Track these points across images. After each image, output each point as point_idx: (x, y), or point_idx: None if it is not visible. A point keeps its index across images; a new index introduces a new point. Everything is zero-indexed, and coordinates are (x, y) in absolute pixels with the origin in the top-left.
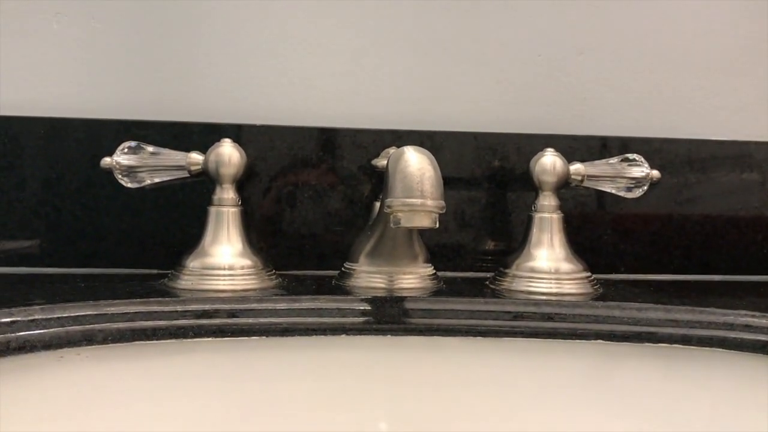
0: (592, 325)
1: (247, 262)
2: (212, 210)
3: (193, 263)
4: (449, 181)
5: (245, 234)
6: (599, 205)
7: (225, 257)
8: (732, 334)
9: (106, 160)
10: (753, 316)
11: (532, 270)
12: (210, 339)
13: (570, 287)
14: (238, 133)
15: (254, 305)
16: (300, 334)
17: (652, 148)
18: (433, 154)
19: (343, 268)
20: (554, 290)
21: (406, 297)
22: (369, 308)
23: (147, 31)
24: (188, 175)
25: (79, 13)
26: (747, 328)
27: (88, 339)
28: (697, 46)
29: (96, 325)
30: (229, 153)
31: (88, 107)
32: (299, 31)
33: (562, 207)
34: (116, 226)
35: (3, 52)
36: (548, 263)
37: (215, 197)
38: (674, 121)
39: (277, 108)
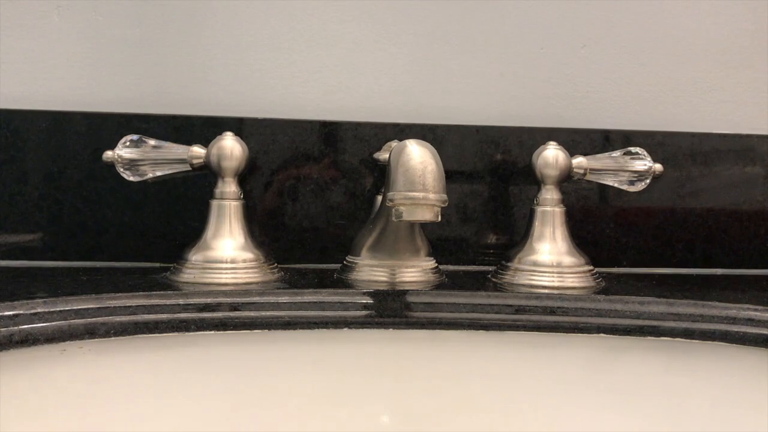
0: (594, 318)
1: (249, 255)
2: (214, 203)
3: (195, 256)
4: (451, 175)
5: (247, 227)
6: (602, 199)
7: (227, 250)
8: (734, 328)
9: (108, 154)
10: (756, 310)
11: (535, 263)
12: (212, 332)
13: (572, 281)
14: (239, 126)
15: (256, 299)
16: (302, 328)
17: (654, 142)
18: (436, 148)
19: (345, 262)
20: (556, 284)
21: (408, 290)
22: (371, 302)
23: (148, 24)
24: (190, 169)
25: (81, 5)
26: (749, 321)
27: (90, 332)
28: (699, 39)
29: (98, 319)
30: (231, 146)
31: (89, 100)
32: (300, 24)
33: (565, 200)
34: (118, 220)
35: (4, 45)
36: (550, 257)
37: (217, 190)
38: (677, 114)
39: (278, 101)
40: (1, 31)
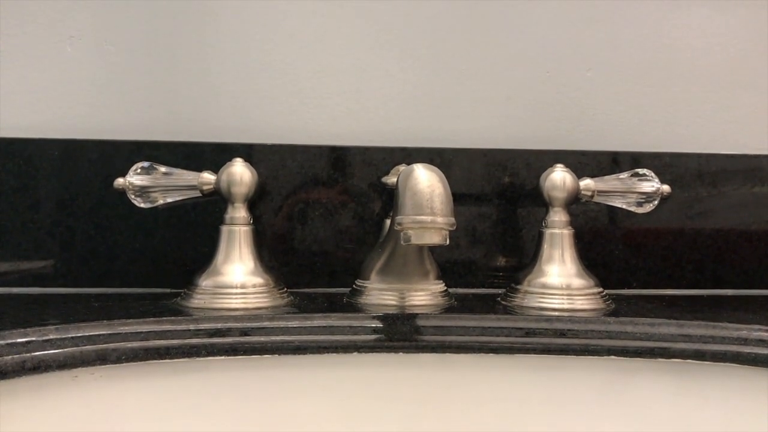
0: (604, 340)
1: (259, 280)
2: (224, 229)
3: (205, 282)
4: (459, 198)
5: (257, 252)
6: (610, 221)
7: (237, 276)
8: (746, 349)
9: (119, 181)
10: (767, 331)
11: (544, 286)
12: (223, 357)
13: (582, 303)
14: (249, 152)
15: (266, 323)
16: (312, 352)
17: (662, 163)
18: (443, 171)
19: (354, 286)
20: (566, 306)
21: (417, 314)
22: (380, 326)
23: (159, 52)
24: (200, 195)
25: (92, 36)
26: (761, 342)
27: (101, 358)
28: (706, 60)
29: (110, 345)
30: (240, 172)
31: (101, 128)
32: (309, 51)
33: (573, 222)
34: (129, 246)
35: (17, 74)
36: (560, 279)
37: (227, 216)
38: (684, 135)
39: (287, 127)
40: (15, 61)
